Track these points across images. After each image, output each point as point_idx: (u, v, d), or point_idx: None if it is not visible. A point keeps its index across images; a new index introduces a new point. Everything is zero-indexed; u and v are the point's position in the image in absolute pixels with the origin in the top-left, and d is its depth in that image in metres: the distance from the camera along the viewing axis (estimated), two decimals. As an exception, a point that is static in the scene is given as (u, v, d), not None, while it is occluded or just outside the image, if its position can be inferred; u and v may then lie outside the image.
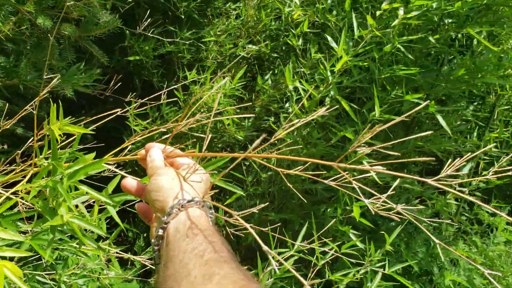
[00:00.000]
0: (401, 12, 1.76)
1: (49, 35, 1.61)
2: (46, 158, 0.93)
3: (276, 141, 0.73)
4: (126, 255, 1.60)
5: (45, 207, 0.80)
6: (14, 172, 0.93)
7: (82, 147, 1.30)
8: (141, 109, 1.44)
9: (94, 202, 0.99)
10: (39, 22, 1.65)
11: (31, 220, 1.34)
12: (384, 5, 1.77)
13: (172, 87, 1.44)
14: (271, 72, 2.38)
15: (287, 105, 2.15)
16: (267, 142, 0.73)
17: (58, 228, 0.87)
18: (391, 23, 1.79)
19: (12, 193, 0.88)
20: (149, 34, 2.17)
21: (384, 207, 0.75)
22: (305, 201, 2.18)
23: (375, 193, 0.73)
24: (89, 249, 1.31)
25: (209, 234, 0.63)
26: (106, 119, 0.97)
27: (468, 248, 2.39)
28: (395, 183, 0.78)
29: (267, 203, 1.40)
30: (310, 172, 0.76)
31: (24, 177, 0.91)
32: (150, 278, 2.22)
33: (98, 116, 0.97)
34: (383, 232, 1.80)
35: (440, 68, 1.98)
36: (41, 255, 0.93)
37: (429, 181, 0.66)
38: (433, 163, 2.32)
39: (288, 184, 0.73)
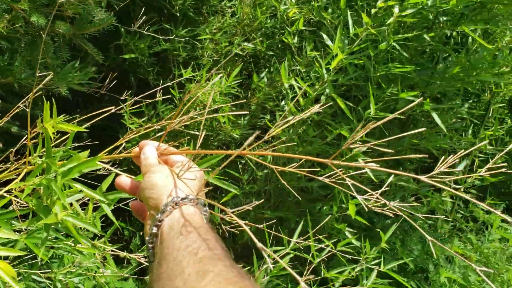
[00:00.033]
0: (396, 10, 1.76)
1: (41, 32, 1.61)
2: (40, 156, 0.93)
3: (270, 139, 0.73)
4: (122, 253, 1.60)
5: (39, 205, 0.79)
6: (8, 171, 0.93)
7: (77, 145, 1.30)
8: (135, 106, 1.43)
9: (88, 200, 0.99)
10: (33, 20, 1.65)
11: (26, 218, 1.34)
12: (379, 3, 1.77)
13: (166, 84, 1.44)
14: (266, 70, 2.38)
15: (282, 103, 2.16)
16: (261, 140, 0.73)
17: (53, 227, 0.87)
18: (386, 21, 1.79)
19: (6, 192, 0.87)
20: (144, 32, 2.16)
21: (378, 204, 0.76)
22: (301, 199, 2.18)
23: (370, 190, 0.73)
24: (84, 248, 1.31)
25: (203, 231, 0.62)
26: (100, 117, 0.97)
27: (464, 246, 2.39)
28: (389, 180, 0.78)
29: (262, 200, 1.40)
30: (305, 169, 0.76)
31: (18, 175, 0.91)
32: (146, 276, 2.22)
33: (92, 114, 0.96)
34: (378, 229, 1.80)
35: (435, 66, 1.98)
36: (36, 253, 0.93)
37: (423, 178, 0.66)
38: (428, 161, 2.33)
39: (283, 181, 0.73)
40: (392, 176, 0.81)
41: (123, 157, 0.84)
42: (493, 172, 0.74)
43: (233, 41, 2.43)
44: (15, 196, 0.89)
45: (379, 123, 0.65)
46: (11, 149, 0.94)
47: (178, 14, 2.35)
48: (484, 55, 1.90)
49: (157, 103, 2.24)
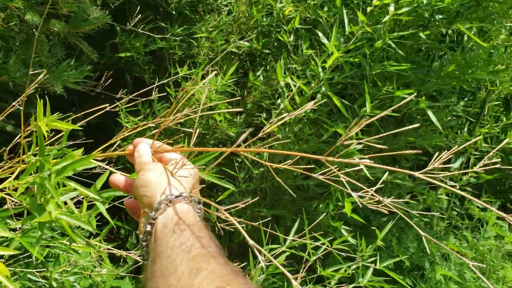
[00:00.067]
0: (391, 8, 1.76)
1: (34, 30, 1.60)
2: (34, 155, 0.93)
3: (264, 136, 0.73)
4: (118, 252, 1.59)
5: (33, 203, 0.79)
6: (1, 169, 0.93)
7: (72, 143, 1.30)
8: (131, 104, 1.43)
9: (83, 198, 0.98)
10: (27, 18, 1.64)
11: (21, 217, 1.33)
12: (375, 1, 1.77)
13: (162, 82, 1.44)
14: (262, 68, 2.38)
15: (278, 101, 2.16)
16: (256, 137, 0.73)
17: (47, 225, 0.87)
18: (382, 19, 1.79)
19: (0, 190, 0.87)
20: (140, 31, 2.16)
21: (373, 201, 0.76)
22: (297, 197, 2.18)
23: (365, 187, 0.73)
24: (79, 246, 1.30)
25: (197, 229, 0.62)
26: (94, 115, 0.97)
27: (459, 243, 2.40)
28: (384, 177, 0.78)
29: (257, 197, 1.40)
30: (300, 167, 0.76)
31: (13, 174, 0.90)
32: (142, 274, 2.22)
33: (87, 111, 0.96)
34: (374, 227, 1.81)
35: (431, 64, 1.99)
36: (31, 252, 0.92)
37: (417, 174, 0.66)
38: (424, 159, 2.34)
39: (278, 179, 0.73)
40: (387, 173, 0.81)
41: (117, 155, 0.84)
42: (487, 168, 0.74)
43: (229, 39, 2.43)
44: (9, 195, 0.89)
45: (372, 119, 0.65)
46: (4, 148, 0.94)
47: (174, 12, 2.35)
48: (480, 53, 1.91)
49: (153, 102, 2.23)
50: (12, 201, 1.05)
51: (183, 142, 1.98)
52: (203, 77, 2.14)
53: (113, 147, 0.88)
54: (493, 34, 2.09)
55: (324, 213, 1.77)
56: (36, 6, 1.69)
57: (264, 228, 1.33)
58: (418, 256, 2.20)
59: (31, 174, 0.82)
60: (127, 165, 2.27)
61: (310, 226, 1.55)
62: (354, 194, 0.66)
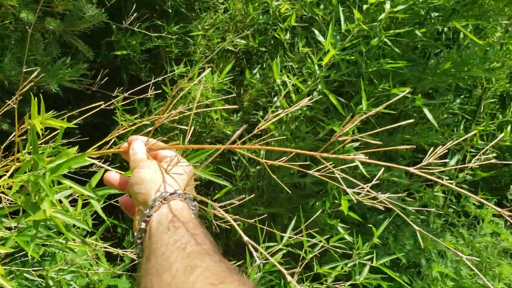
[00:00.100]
0: (387, 6, 1.76)
1: (27, 27, 1.59)
2: (29, 153, 0.92)
3: (260, 133, 0.73)
4: (115, 250, 1.59)
5: (27, 202, 0.79)
6: (-4, 167, 0.92)
7: (67, 141, 1.29)
8: (126, 101, 1.42)
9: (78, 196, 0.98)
10: (22, 17, 1.63)
11: (16, 215, 1.33)
12: (371, -1, 1.77)
13: (157, 79, 1.43)
14: (259, 66, 2.37)
15: (275, 99, 2.15)
16: (251, 134, 0.73)
17: (42, 223, 0.87)
18: (378, 17, 1.79)
19: (-6, 188, 0.87)
20: (136, 29, 2.15)
21: (368, 197, 0.76)
22: (294, 195, 2.18)
23: (360, 184, 0.73)
24: (75, 245, 1.30)
25: (191, 226, 0.62)
26: (89, 113, 0.96)
27: (455, 240, 2.41)
28: (379, 173, 0.78)
29: (253, 195, 1.40)
30: (296, 163, 0.76)
31: (7, 172, 0.90)
32: (139, 273, 2.21)
33: (81, 109, 0.96)
34: (371, 225, 1.81)
35: (427, 62, 1.99)
36: (26, 250, 0.92)
37: (412, 169, 0.66)
38: (420, 156, 2.34)
39: (273, 176, 0.73)
40: (383, 169, 0.81)
41: (112, 152, 0.84)
42: (482, 163, 0.74)
43: (226, 37, 2.43)
44: (4, 193, 0.88)
45: (367, 115, 0.65)
46: (-1, 146, 0.93)
47: (170, 11, 2.34)
48: (475, 50, 1.91)
49: (149, 100, 2.23)
50: (7, 199, 1.05)
51: (180, 140, 1.98)
52: (199, 75, 2.14)
53: (108, 145, 0.88)
54: (488, 31, 2.10)
55: (320, 210, 1.77)
56: (31, 4, 1.68)
57: (261, 226, 1.33)
58: (415, 253, 2.21)
59: (25, 172, 0.82)
60: (124, 163, 2.26)
61: (307, 223, 1.55)
62: (349, 190, 0.66)
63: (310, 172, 0.74)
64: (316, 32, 1.92)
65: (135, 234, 0.68)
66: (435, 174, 0.67)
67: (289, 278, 0.45)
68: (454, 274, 2.16)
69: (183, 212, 0.64)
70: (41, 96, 0.83)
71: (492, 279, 2.23)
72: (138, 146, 0.76)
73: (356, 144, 1.92)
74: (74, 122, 0.97)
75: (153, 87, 1.56)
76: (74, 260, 1.65)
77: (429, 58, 2.00)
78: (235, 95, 2.32)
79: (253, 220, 1.00)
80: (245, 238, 0.48)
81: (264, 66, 2.35)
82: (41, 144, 1.00)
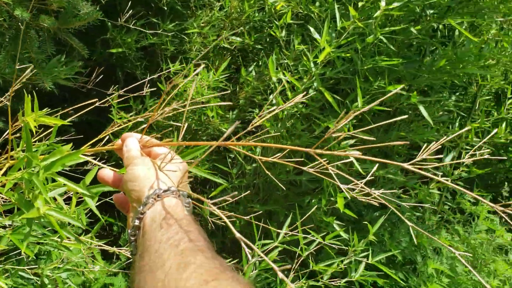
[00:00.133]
0: (383, 3, 1.76)
1: (19, 23, 1.59)
2: (23, 151, 0.92)
3: (254, 129, 0.73)
4: (110, 248, 1.59)
5: (21, 199, 0.79)
6: (-10, 165, 0.92)
7: (62, 139, 1.29)
8: (122, 98, 1.42)
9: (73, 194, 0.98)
10: (17, 14, 1.62)
11: (11, 213, 1.33)
12: (366, -4, 1.77)
13: (152, 77, 1.43)
14: (255, 64, 2.37)
15: (271, 96, 2.15)
16: (245, 130, 0.73)
17: (36, 221, 0.86)
18: (373, 14, 1.79)
19: (-12, 186, 0.86)
20: (131, 26, 2.15)
21: (363, 193, 0.76)
22: (290, 192, 2.18)
23: (355, 180, 0.73)
24: (71, 243, 1.30)
25: (185, 223, 0.62)
26: (84, 111, 0.96)
27: (451, 237, 2.42)
28: (373, 169, 0.79)
29: (248, 192, 1.40)
30: (290, 160, 0.76)
31: (1, 170, 0.89)
32: (135, 271, 2.21)
33: (75, 106, 0.95)
34: (366, 222, 1.81)
35: (422, 59, 1.99)
36: (20, 248, 0.92)
37: (405, 165, 0.66)
38: (415, 153, 2.34)
39: (267, 172, 0.73)
40: (377, 165, 0.81)
41: (106, 149, 0.84)
42: (476, 158, 0.74)
43: (221, 34, 2.42)
44: (-2, 191, 0.88)
45: (360, 111, 0.65)
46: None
47: (166, 8, 2.34)
48: (471, 48, 1.91)
49: (145, 98, 2.22)
50: (1, 197, 1.04)
51: (175, 137, 1.98)
52: (194, 71, 2.13)
53: (102, 142, 0.88)
54: (484, 29, 2.10)
55: (315, 207, 1.77)
56: (26, 2, 1.67)
57: (257, 222, 1.33)
58: (410, 250, 2.22)
59: (19, 170, 0.82)
60: (120, 161, 2.26)
61: (302, 219, 1.55)
62: (342, 186, 0.66)
63: (304, 168, 0.74)
64: (312, 29, 1.92)
65: (129, 231, 0.68)
66: (430, 170, 0.67)
67: (280, 275, 0.45)
68: (449, 271, 2.17)
69: (176, 209, 0.64)
70: (34, 93, 0.83)
71: (487, 276, 2.24)
72: (131, 143, 0.76)
73: (352, 141, 1.92)
74: (69, 119, 0.97)
75: (149, 85, 1.56)
76: (70, 258, 1.65)
77: (424, 56, 2.00)
78: (230, 92, 2.32)
79: (248, 217, 1.00)
80: (237, 235, 0.48)
81: (260, 63, 2.34)
82: (35, 141, 1.00)
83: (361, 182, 0.73)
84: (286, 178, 2.09)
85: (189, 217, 0.65)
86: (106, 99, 1.10)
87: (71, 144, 0.81)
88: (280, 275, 0.45)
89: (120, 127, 0.87)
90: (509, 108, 2.39)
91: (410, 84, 1.99)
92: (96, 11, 1.80)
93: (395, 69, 1.90)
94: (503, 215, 0.70)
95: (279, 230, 1.56)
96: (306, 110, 2.01)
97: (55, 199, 0.88)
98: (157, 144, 0.77)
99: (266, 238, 1.71)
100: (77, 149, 0.83)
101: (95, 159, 0.93)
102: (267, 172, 0.76)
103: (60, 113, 0.95)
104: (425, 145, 0.67)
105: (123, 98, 1.42)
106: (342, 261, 1.75)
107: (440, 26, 2.07)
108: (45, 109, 0.89)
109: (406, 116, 0.70)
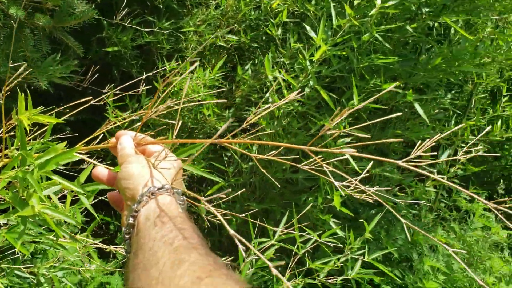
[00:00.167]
0: (378, 1, 1.76)
1: (12, 21, 1.58)
2: (18, 149, 0.92)
3: (248, 127, 0.72)
4: (106, 247, 1.58)
5: (15, 198, 0.78)
6: (-16, 164, 0.91)
7: (56, 137, 1.28)
8: (117, 96, 1.41)
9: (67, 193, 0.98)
10: (11, 13, 1.62)
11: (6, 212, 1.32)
12: (362, -6, 1.78)
13: (147, 75, 1.42)
14: (251, 62, 2.37)
15: (267, 95, 2.15)
16: (239, 128, 0.73)
17: (31, 220, 0.86)
18: (369, 12, 1.79)
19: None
20: (127, 25, 2.14)
21: (357, 190, 0.76)
22: (286, 190, 2.19)
23: (349, 177, 0.73)
24: (66, 242, 1.29)
25: (179, 221, 0.62)
26: (79, 109, 0.96)
27: (447, 234, 2.43)
28: (368, 166, 0.79)
29: (243, 190, 1.40)
30: (285, 157, 0.76)
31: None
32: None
33: (70, 104, 0.95)
34: (363, 220, 1.82)
35: (418, 57, 2.00)
36: (14, 246, 0.92)
37: (400, 162, 0.67)
38: (411, 151, 2.35)
39: (262, 170, 0.73)
40: (372, 162, 0.81)
41: (101, 148, 0.83)
42: (469, 155, 0.75)
43: (217, 33, 2.42)
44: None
45: (354, 108, 0.65)
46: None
47: (161, 6, 2.33)
48: (466, 46, 1.92)
49: (141, 97, 2.22)
50: (-4, 196, 1.04)
51: (170, 135, 1.98)
52: (191, 71, 2.13)
53: (97, 140, 0.88)
54: (479, 27, 2.11)
55: (310, 204, 1.77)
56: (20, 0, 1.67)
57: (253, 221, 1.33)
58: (407, 247, 2.22)
59: (13, 168, 0.81)
60: (115, 160, 2.25)
61: (298, 216, 1.55)
62: (336, 183, 0.66)
63: (299, 166, 0.74)
64: (308, 27, 1.92)
65: (123, 229, 0.68)
66: (426, 168, 0.67)
67: (274, 271, 0.45)
68: (445, 268, 2.18)
69: (170, 207, 0.64)
70: (28, 92, 0.82)
71: (483, 273, 2.25)
72: (126, 141, 0.76)
73: (348, 139, 1.92)
74: (64, 118, 0.97)
75: (145, 83, 1.56)
76: (66, 257, 1.64)
77: (420, 54, 2.00)
78: (225, 89, 2.32)
79: (244, 215, 1.00)
80: (231, 232, 0.48)
81: (256, 62, 2.34)
82: (30, 140, 0.99)
83: (356, 180, 0.74)
84: (283, 176, 2.09)
85: (184, 214, 0.65)
86: (101, 97, 1.10)
87: (65, 142, 0.80)
88: (274, 271, 0.45)
89: (115, 125, 0.87)
90: (504, 106, 2.39)
91: (406, 82, 1.99)
92: (91, 10, 1.80)
93: (391, 67, 1.90)
94: (496, 212, 0.70)
95: (275, 228, 1.56)
96: (302, 108, 2.01)
97: (50, 197, 0.88)
98: (151, 142, 0.77)
99: (263, 236, 1.71)
100: (72, 148, 0.83)
101: (91, 157, 0.93)
102: (261, 169, 0.76)
103: (54, 111, 0.95)
104: (419, 142, 0.67)
105: (118, 96, 1.42)
106: (338, 259, 1.75)
107: (436, 24, 2.07)
108: (39, 107, 0.89)
109: (400, 114, 0.70)
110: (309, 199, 2.10)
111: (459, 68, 1.94)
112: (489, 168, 2.76)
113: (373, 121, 0.72)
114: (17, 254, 1.56)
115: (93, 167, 0.80)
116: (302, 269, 1.73)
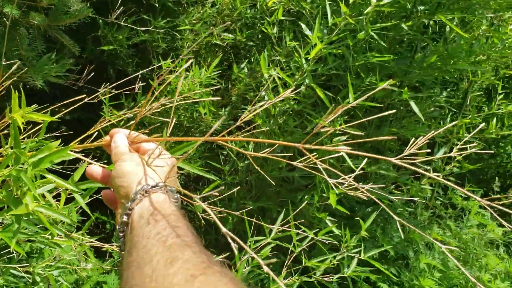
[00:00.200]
0: (374, -1, 1.76)
1: (5, 19, 1.58)
2: (12, 147, 0.91)
3: (243, 125, 0.72)
4: (102, 245, 1.58)
5: (9, 196, 0.78)
6: (-22, 163, 0.91)
7: (51, 135, 1.28)
8: (112, 94, 1.41)
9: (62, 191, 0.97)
10: (6, 11, 1.61)
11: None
12: (357, -8, 1.78)
13: (144, 74, 1.42)
14: (247, 60, 2.37)
15: (263, 93, 2.15)
16: (234, 125, 0.73)
17: (25, 218, 0.86)
18: (364, 11, 1.79)
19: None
20: (122, 23, 2.14)
21: (351, 187, 0.76)
22: (282, 189, 2.19)
23: (343, 175, 0.74)
24: (62, 240, 1.29)
25: (173, 219, 0.62)
26: (73, 107, 0.96)
27: (443, 232, 2.43)
28: (363, 163, 0.79)
29: (238, 187, 1.40)
30: (279, 154, 0.76)
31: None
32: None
33: (64, 102, 0.95)
34: (359, 218, 1.82)
35: (414, 55, 2.00)
36: (9, 245, 0.91)
37: (393, 160, 0.67)
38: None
39: (257, 167, 0.73)
40: (366, 160, 0.82)
41: (95, 146, 0.83)
42: (464, 152, 0.75)
43: (213, 31, 2.42)
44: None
45: (349, 105, 0.65)
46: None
47: (157, 5, 2.33)
48: (461, 44, 1.92)
49: (136, 95, 2.21)
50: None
51: (164, 133, 1.98)
52: (187, 70, 2.13)
53: (91, 138, 0.87)
54: (474, 24, 2.11)
55: (306, 202, 1.77)
56: (15, -2, 1.66)
57: (249, 218, 1.33)
58: (403, 245, 2.23)
59: (7, 166, 0.81)
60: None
61: (294, 213, 1.55)
62: (330, 181, 0.66)
63: (294, 163, 0.74)
64: (303, 26, 1.92)
65: (118, 227, 0.68)
66: (420, 165, 0.67)
67: (265, 268, 0.45)
68: (441, 266, 2.19)
69: (164, 205, 0.64)
70: (21, 90, 0.82)
71: (478, 270, 2.25)
72: (120, 139, 0.75)
73: (344, 137, 1.92)
74: (58, 116, 0.96)
75: (140, 82, 1.56)
76: (62, 256, 1.64)
77: (415, 52, 2.01)
78: (221, 88, 2.31)
79: (239, 212, 1.00)
80: (223, 230, 0.48)
81: (252, 60, 2.34)
82: (24, 138, 0.99)
83: (350, 177, 0.74)
84: (279, 175, 2.09)
85: (177, 212, 0.65)
86: (95, 95, 1.10)
87: (59, 141, 0.80)
88: (266, 269, 0.45)
89: (110, 123, 0.87)
90: (499, 104, 2.40)
91: (401, 80, 2.00)
92: (86, 8, 1.79)
93: (387, 65, 1.90)
94: (489, 209, 0.70)
95: (271, 226, 1.56)
96: (298, 106, 2.01)
97: (44, 196, 0.88)
98: (145, 139, 0.76)
99: (259, 235, 1.71)
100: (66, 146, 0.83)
101: (87, 156, 0.93)
102: (257, 167, 0.76)
103: (49, 109, 0.95)
104: (413, 139, 0.67)
105: (113, 94, 1.41)
106: (334, 257, 1.75)
107: (431, 22, 2.08)
108: (34, 105, 0.89)
109: (394, 111, 0.70)
110: (305, 197, 2.10)
111: (455, 66, 1.95)
112: (484, 166, 2.77)
113: (367, 118, 0.72)
114: (13, 253, 1.56)
115: (87, 165, 0.80)
116: (298, 267, 1.73)
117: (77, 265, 1.79)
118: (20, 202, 0.78)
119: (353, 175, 0.74)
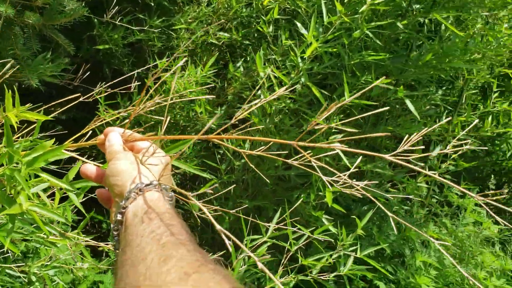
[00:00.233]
0: (369, -3, 1.77)
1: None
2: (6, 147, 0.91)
3: (237, 122, 0.72)
4: (97, 244, 1.58)
5: (3, 195, 0.78)
6: (-28, 162, 0.91)
7: (46, 134, 1.28)
8: (108, 92, 1.41)
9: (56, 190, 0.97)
10: (0, 10, 1.61)
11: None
12: (353, -9, 1.78)
13: (140, 73, 1.42)
14: (243, 59, 2.37)
15: (259, 92, 2.15)
16: (229, 123, 0.73)
17: (19, 217, 0.86)
18: (360, 9, 1.79)
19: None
20: (118, 23, 2.13)
21: (347, 185, 0.76)
22: (279, 187, 2.19)
23: (338, 172, 0.74)
24: (57, 239, 1.29)
25: (167, 217, 0.62)
26: (68, 106, 0.95)
27: (439, 230, 2.44)
28: (358, 161, 0.79)
29: (234, 185, 1.40)
30: (274, 152, 0.76)
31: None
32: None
33: (58, 101, 0.95)
34: (355, 216, 1.82)
35: (409, 54, 2.00)
36: (3, 243, 0.91)
37: (387, 156, 0.67)
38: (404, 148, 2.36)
39: (252, 165, 0.73)
40: (360, 157, 0.82)
41: (89, 144, 0.83)
42: (459, 149, 0.75)
43: (209, 30, 2.42)
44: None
45: (342, 103, 0.65)
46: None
47: (152, 4, 2.33)
48: (456, 42, 1.93)
49: (132, 94, 2.21)
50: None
51: (159, 132, 1.97)
52: (183, 69, 2.13)
53: (86, 137, 0.87)
54: (469, 23, 2.12)
55: (301, 200, 1.78)
56: (9, -3, 1.65)
57: (245, 217, 1.33)
58: (399, 243, 2.23)
59: (1, 166, 0.81)
60: (107, 158, 2.24)
61: (290, 212, 1.56)
62: (325, 178, 0.67)
63: (289, 161, 0.74)
64: (299, 24, 1.92)
65: (112, 226, 0.67)
66: (417, 164, 0.67)
67: (260, 265, 0.45)
68: (437, 263, 2.19)
69: (158, 203, 0.64)
70: (15, 89, 0.82)
71: (474, 267, 2.26)
72: (114, 137, 0.75)
73: (340, 135, 1.93)
74: (53, 115, 0.96)
75: (136, 81, 1.55)
76: (58, 255, 1.64)
77: (411, 50, 2.01)
78: (216, 86, 2.31)
79: (234, 210, 1.00)
80: (218, 227, 0.48)
81: (248, 59, 2.34)
82: (18, 137, 0.99)
83: (345, 175, 0.74)
84: (275, 173, 2.09)
85: (172, 210, 0.65)
86: (90, 94, 1.09)
87: (53, 140, 0.80)
88: (260, 265, 0.45)
89: (104, 121, 0.87)
90: (495, 102, 2.41)
91: (397, 79, 2.00)
92: (82, 8, 1.79)
93: (382, 63, 1.90)
94: (485, 206, 0.70)
95: (268, 225, 1.56)
96: (294, 105, 2.01)
97: (38, 195, 0.87)
98: (139, 138, 0.76)
99: (256, 233, 1.71)
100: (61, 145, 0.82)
101: (82, 155, 0.93)
102: (252, 166, 0.76)
103: (43, 108, 0.95)
104: (406, 136, 0.67)
105: (108, 93, 1.41)
106: (331, 256, 1.76)
107: (426, 21, 2.08)
108: (28, 104, 0.89)
109: (388, 108, 0.70)
110: (302, 196, 2.11)
111: (450, 64, 1.95)
112: (480, 164, 2.78)
113: (362, 115, 0.72)
114: (8, 253, 1.55)
115: (82, 164, 0.80)
116: (294, 265, 1.73)
117: (73, 265, 1.78)
118: (14, 201, 0.78)
119: (347, 172, 0.74)
